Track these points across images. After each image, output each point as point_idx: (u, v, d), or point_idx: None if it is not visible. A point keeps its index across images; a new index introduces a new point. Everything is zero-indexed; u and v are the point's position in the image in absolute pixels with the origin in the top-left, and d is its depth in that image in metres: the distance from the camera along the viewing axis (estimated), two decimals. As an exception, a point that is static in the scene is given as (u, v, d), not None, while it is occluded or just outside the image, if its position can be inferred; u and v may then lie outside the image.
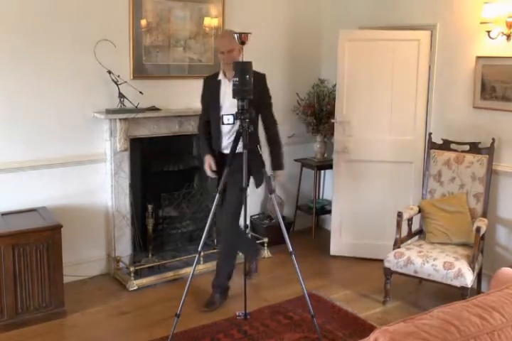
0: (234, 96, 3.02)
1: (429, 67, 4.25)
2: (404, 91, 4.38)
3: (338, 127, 4.53)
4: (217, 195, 3.17)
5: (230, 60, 3.39)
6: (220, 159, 3.55)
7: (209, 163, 3.56)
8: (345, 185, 4.59)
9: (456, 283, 3.38)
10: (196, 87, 4.17)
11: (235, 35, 3.16)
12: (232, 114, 3.03)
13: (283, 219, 4.97)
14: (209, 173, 3.61)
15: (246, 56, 4.68)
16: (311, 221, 5.16)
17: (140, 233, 4.23)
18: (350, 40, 4.42)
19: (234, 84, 2.99)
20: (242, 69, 3.01)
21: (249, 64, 3.08)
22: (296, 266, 3.07)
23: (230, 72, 3.45)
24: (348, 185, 4.57)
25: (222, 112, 3.34)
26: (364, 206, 4.55)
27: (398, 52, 4.31)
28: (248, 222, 4.79)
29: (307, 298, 2.99)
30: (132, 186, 4.15)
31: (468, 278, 3.36)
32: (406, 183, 4.41)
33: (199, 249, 3.10)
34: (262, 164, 3.33)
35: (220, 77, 3.58)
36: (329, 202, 5.28)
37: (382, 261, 3.74)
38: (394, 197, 4.42)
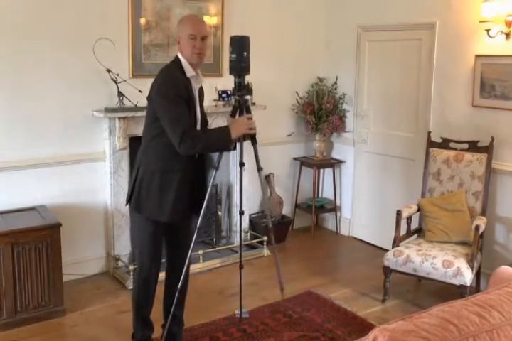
0: (231, 73, 2.82)
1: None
2: (409, 89, 4.45)
3: (359, 121, 4.94)
4: (214, 171, 2.88)
5: (202, 50, 2.73)
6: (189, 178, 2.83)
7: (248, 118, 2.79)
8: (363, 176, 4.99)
9: (455, 281, 3.38)
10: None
11: None
12: (226, 92, 2.85)
13: (282, 218, 5.01)
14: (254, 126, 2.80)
15: (245, 55, 4.69)
16: (310, 219, 5.17)
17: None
18: (370, 41, 4.75)
19: (230, 60, 2.76)
20: (240, 44, 2.74)
21: (247, 39, 2.80)
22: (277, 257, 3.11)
23: (197, 68, 2.81)
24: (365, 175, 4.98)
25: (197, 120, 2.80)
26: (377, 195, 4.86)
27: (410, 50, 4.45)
28: (247, 221, 4.83)
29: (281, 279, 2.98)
30: (131, 185, 4.14)
31: (467, 277, 3.36)
32: (409, 179, 4.50)
33: (197, 224, 2.87)
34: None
35: (189, 73, 2.75)
36: (329, 201, 5.29)
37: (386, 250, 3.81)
38: (399, 191, 4.58)
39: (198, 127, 2.81)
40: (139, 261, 2.93)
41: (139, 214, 2.83)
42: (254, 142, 2.85)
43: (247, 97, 2.84)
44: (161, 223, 2.82)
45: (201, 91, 2.92)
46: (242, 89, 2.79)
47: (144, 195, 2.79)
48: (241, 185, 3.21)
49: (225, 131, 2.70)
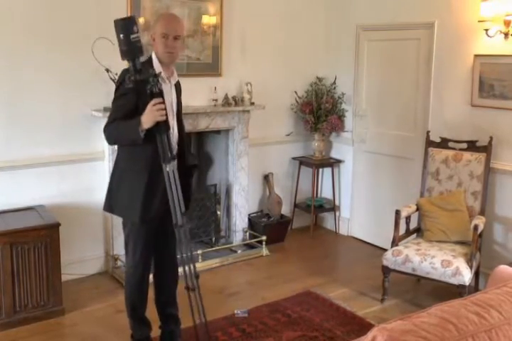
0: (122, 58, 2.59)
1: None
2: (408, 89, 4.46)
3: (358, 120, 4.94)
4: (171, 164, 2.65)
5: (174, 49, 2.70)
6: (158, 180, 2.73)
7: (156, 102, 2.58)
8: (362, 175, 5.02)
9: (454, 281, 3.38)
10: (194, 85, 4.17)
11: None
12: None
13: (281, 218, 5.01)
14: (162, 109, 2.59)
15: (245, 55, 4.70)
16: (309, 219, 5.17)
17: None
18: (369, 40, 4.75)
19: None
20: (116, 28, 2.53)
21: (119, 21, 2.53)
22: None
23: (169, 67, 2.78)
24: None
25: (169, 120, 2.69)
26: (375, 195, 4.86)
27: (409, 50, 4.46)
28: (246, 220, 4.83)
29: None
30: (130, 184, 4.14)
31: (466, 276, 3.37)
32: (407, 179, 4.50)
33: (179, 222, 2.68)
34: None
35: (157, 71, 2.68)
36: (328, 201, 5.29)
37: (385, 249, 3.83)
38: (398, 191, 4.58)
39: (174, 123, 2.79)
40: (132, 263, 2.90)
41: (112, 213, 2.89)
42: (166, 129, 2.62)
43: (151, 82, 2.57)
44: (152, 226, 2.82)
45: (178, 91, 2.89)
46: (135, 73, 2.57)
47: (115, 193, 2.82)
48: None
49: (134, 122, 2.60)
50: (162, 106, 2.58)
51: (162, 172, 2.70)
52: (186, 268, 2.76)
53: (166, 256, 3.00)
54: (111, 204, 2.86)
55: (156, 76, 2.60)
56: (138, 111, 2.61)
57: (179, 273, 3.02)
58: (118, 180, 2.83)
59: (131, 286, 2.95)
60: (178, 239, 2.75)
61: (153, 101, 2.57)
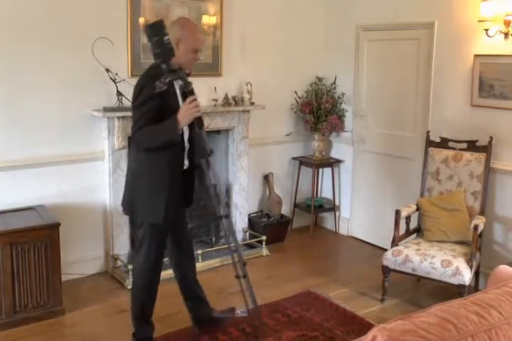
0: (156, 61, 2.71)
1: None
2: (408, 89, 4.46)
3: (358, 120, 4.94)
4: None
5: (197, 60, 2.94)
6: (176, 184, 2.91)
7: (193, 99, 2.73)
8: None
9: (454, 281, 3.38)
10: (194, 85, 4.14)
11: None
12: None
13: (281, 218, 5.01)
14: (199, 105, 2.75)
15: (245, 55, 4.70)
16: (309, 219, 5.17)
17: (138, 231, 4.22)
18: (369, 40, 4.75)
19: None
20: (148, 31, 2.65)
21: (152, 25, 2.66)
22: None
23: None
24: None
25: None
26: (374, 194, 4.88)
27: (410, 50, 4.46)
28: (246, 220, 4.83)
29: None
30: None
31: (466, 276, 3.37)
32: (407, 178, 4.50)
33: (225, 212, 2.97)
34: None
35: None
36: (328, 201, 5.29)
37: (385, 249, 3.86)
38: (398, 191, 4.59)
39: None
40: (146, 265, 2.96)
41: (132, 216, 2.98)
42: (200, 126, 2.77)
43: (180, 82, 2.71)
44: (167, 226, 2.92)
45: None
46: (171, 74, 2.68)
47: (135, 198, 2.87)
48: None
49: (170, 122, 2.68)
50: (197, 102, 2.70)
51: (180, 174, 2.85)
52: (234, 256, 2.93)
53: (184, 246, 3.15)
54: (131, 207, 2.90)
55: (189, 75, 2.72)
56: (162, 115, 2.68)
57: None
58: (139, 184, 2.86)
59: (139, 286, 3.00)
60: (225, 229, 2.92)
61: (188, 100, 2.68)
